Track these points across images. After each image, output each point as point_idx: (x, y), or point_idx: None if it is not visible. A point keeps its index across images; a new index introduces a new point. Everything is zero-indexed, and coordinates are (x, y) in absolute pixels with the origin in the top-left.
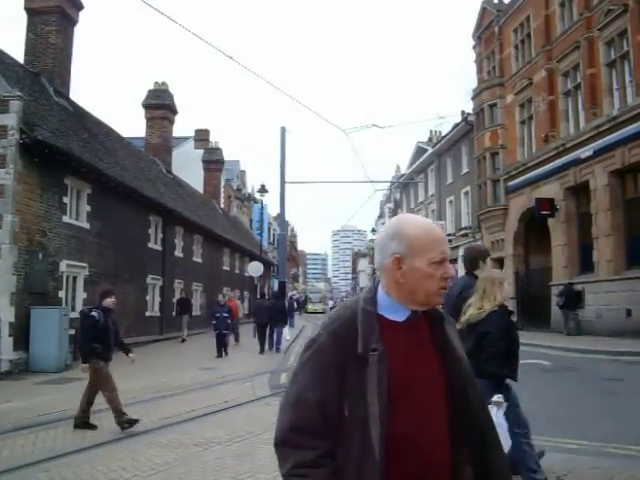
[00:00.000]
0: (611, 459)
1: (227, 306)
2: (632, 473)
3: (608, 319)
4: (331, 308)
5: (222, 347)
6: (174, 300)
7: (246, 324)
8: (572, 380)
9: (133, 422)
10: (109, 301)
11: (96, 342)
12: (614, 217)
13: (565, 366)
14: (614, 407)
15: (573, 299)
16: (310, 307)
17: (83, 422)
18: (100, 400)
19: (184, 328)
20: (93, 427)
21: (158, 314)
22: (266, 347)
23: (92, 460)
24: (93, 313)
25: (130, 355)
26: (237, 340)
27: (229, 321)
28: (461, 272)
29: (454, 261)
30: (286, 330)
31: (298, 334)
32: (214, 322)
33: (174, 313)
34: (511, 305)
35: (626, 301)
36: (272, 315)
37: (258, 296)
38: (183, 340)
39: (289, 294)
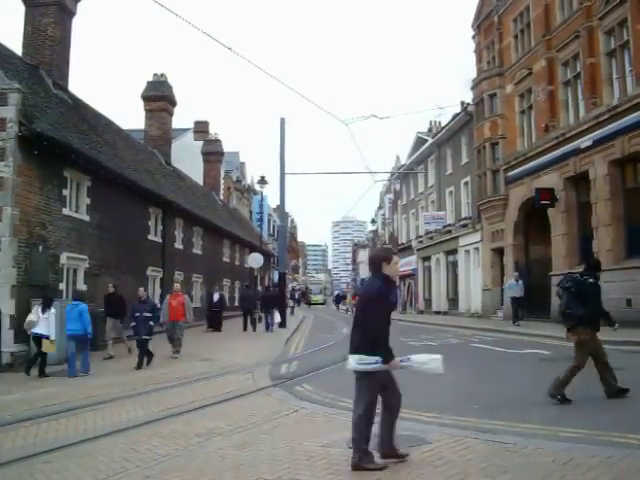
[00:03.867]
0: (611, 448)
1: (150, 303)
2: (632, 462)
3: (608, 309)
4: (335, 297)
5: (143, 357)
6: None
7: (237, 317)
8: None
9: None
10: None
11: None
12: (614, 207)
13: (565, 355)
14: None
15: None
16: (312, 298)
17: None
18: (98, 392)
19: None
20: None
21: (158, 306)
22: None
23: (94, 451)
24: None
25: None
26: (177, 350)
27: (151, 323)
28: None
29: (454, 252)
30: (277, 315)
31: (298, 326)
32: (133, 324)
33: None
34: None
35: (626, 291)
36: (265, 301)
37: (244, 286)
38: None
39: (290, 285)
